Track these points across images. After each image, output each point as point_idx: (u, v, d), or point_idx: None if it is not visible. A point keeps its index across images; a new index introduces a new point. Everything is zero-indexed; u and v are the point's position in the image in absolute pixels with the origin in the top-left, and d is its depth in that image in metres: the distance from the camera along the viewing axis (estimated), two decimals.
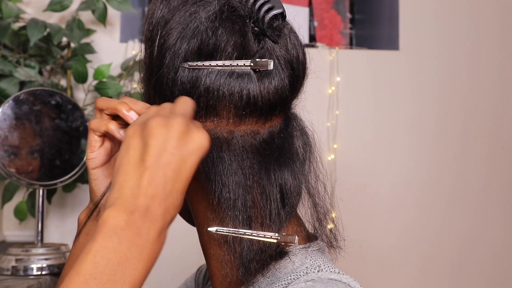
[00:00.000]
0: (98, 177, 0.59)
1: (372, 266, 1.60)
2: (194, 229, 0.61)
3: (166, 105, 0.51)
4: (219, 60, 0.53)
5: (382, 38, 1.76)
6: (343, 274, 0.55)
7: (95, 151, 0.58)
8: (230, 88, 0.53)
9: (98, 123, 0.56)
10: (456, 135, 1.68)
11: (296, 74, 0.56)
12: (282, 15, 0.54)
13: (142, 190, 0.45)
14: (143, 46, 0.58)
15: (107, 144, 0.59)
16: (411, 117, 1.66)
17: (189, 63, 0.53)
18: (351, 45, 1.84)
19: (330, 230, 0.58)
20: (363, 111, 1.65)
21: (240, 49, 0.53)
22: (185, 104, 0.51)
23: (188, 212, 0.61)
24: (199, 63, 0.53)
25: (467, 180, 1.67)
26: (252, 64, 0.53)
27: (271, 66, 0.53)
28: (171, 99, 0.53)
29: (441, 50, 1.69)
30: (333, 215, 0.59)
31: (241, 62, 0.53)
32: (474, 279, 1.65)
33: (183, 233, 0.82)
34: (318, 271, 0.54)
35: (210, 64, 0.53)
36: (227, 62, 0.52)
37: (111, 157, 0.60)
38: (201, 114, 0.54)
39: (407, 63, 1.67)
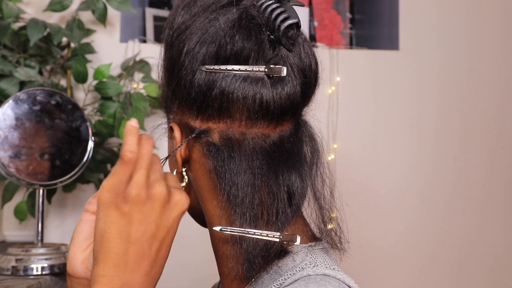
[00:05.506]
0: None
1: (372, 266, 1.60)
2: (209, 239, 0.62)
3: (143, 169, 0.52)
4: (235, 65, 0.55)
5: (382, 38, 1.76)
6: (338, 271, 0.56)
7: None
8: (244, 92, 0.55)
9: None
10: (456, 135, 1.68)
11: (308, 81, 0.58)
12: (297, 25, 0.56)
13: (129, 266, 0.49)
14: (162, 50, 0.61)
15: None
16: (411, 117, 1.66)
17: (206, 66, 0.56)
18: (351, 45, 1.84)
19: (335, 232, 0.60)
20: (363, 111, 1.65)
21: (256, 55, 0.55)
22: (156, 164, 0.53)
23: (200, 213, 0.62)
24: (216, 67, 0.55)
25: (467, 180, 1.67)
26: (266, 70, 0.55)
27: (284, 73, 0.55)
28: (188, 100, 0.57)
29: (441, 50, 1.69)
30: (336, 216, 0.61)
31: (256, 68, 0.55)
32: (474, 279, 1.65)
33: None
34: (314, 266, 0.56)
35: (226, 68, 0.55)
36: (242, 67, 0.55)
37: None
38: (214, 115, 0.56)
39: (407, 63, 1.67)
